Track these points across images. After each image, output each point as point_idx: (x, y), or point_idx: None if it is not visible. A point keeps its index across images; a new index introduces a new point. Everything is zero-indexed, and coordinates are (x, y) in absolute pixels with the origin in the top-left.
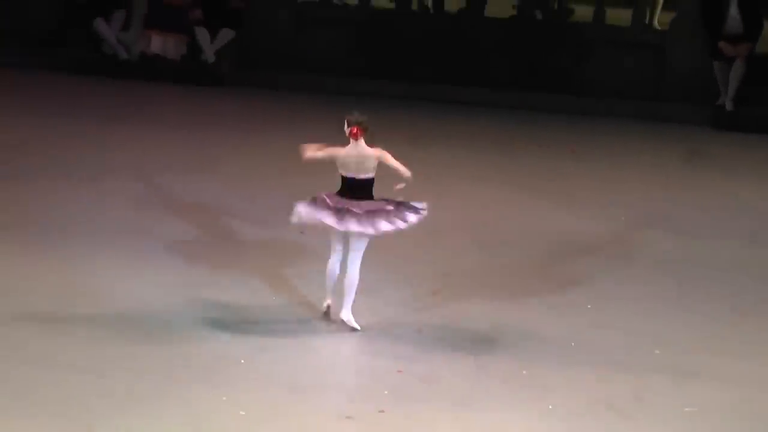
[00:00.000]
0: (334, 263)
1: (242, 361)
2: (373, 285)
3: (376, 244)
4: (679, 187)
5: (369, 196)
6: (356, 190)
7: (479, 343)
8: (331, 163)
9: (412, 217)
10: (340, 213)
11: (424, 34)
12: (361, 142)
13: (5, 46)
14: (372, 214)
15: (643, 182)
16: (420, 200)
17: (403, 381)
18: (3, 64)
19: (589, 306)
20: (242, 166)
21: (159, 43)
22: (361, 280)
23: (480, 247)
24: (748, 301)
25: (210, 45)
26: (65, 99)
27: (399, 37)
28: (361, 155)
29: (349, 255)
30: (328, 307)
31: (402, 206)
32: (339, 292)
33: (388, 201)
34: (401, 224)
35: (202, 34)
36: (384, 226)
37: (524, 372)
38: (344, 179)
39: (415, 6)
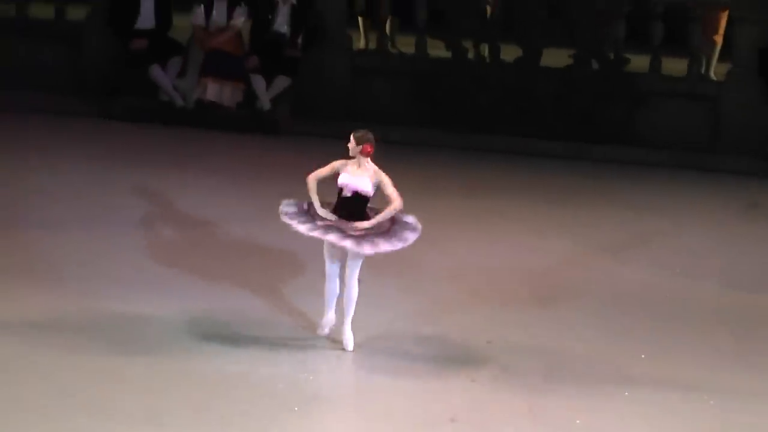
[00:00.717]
0: (332, 280)
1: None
2: (427, 332)
3: (430, 292)
4: (736, 240)
5: (364, 214)
6: (353, 207)
7: (533, 391)
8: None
9: (411, 236)
10: (340, 231)
11: (481, 84)
12: (368, 160)
13: (63, 94)
14: (370, 235)
15: (699, 234)
16: (473, 246)
17: (458, 429)
18: (61, 112)
19: (643, 356)
20: None
21: (215, 91)
22: (414, 331)
23: (534, 297)
24: None
25: (266, 93)
26: (122, 146)
27: (455, 86)
28: (363, 173)
29: (346, 272)
30: (327, 325)
31: (396, 224)
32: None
33: (381, 221)
34: (399, 244)
35: (258, 82)
36: (383, 246)
37: (578, 421)
38: (342, 196)
39: (471, 55)
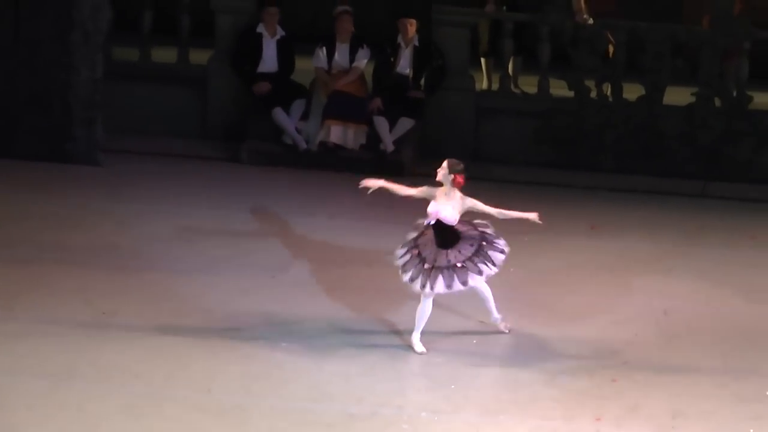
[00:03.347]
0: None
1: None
2: (553, 369)
3: (552, 327)
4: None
5: (455, 239)
6: (442, 234)
7: (660, 430)
8: None
9: (499, 257)
10: (434, 273)
11: (604, 123)
12: (456, 190)
13: (188, 138)
14: (462, 267)
15: None
16: (601, 287)
17: None
18: (187, 156)
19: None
20: None
21: (338, 133)
22: (541, 371)
23: (660, 337)
24: None
25: (389, 134)
26: (247, 190)
27: (579, 126)
28: (449, 201)
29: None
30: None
31: (485, 241)
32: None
33: (471, 239)
34: (490, 271)
35: (381, 124)
36: (472, 280)
37: None
38: (434, 225)
39: (594, 94)
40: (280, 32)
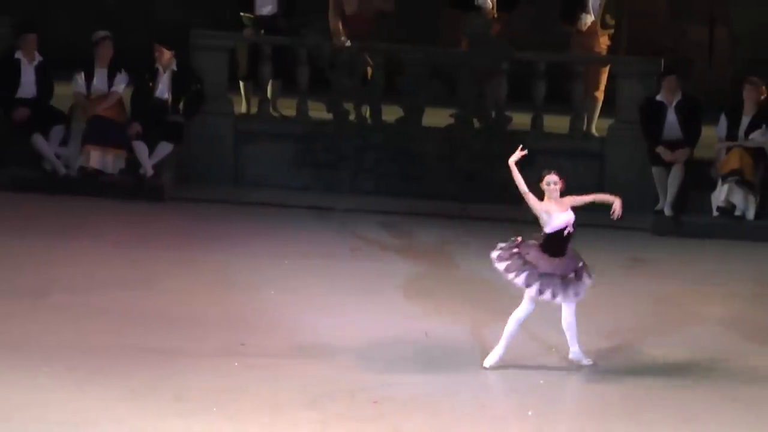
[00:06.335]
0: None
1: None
2: (310, 395)
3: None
4: (619, 293)
5: (566, 248)
6: (560, 244)
7: None
8: None
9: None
10: (546, 283)
11: (362, 145)
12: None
13: None
14: (570, 280)
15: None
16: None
17: None
18: None
19: None
20: (183, 281)
21: (98, 158)
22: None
23: (421, 358)
24: None
25: (148, 159)
26: (6, 216)
27: (338, 148)
28: (563, 207)
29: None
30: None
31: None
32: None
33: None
34: (548, 296)
35: (140, 148)
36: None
37: None
38: (558, 235)
39: (352, 116)
40: (38, 58)
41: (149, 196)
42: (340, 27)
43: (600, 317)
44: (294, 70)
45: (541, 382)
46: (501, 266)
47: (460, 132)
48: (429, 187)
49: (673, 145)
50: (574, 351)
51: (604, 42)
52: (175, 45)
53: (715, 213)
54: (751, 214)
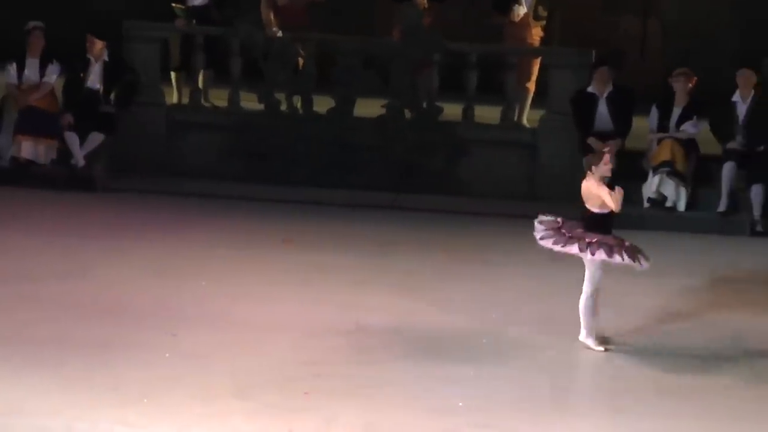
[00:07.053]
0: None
1: None
2: (240, 386)
3: (244, 341)
4: (546, 284)
5: (607, 230)
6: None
7: None
8: None
9: (627, 259)
10: (571, 240)
11: (294, 136)
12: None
13: None
14: (597, 244)
15: (518, 281)
16: (299, 300)
17: None
18: None
19: None
20: (115, 271)
21: (30, 149)
22: (232, 384)
23: (352, 350)
24: None
25: (80, 150)
26: None
27: (269, 139)
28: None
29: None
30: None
31: (631, 249)
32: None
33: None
34: (618, 258)
35: (71, 139)
36: (599, 254)
37: None
38: (602, 216)
39: (284, 107)
40: None
41: (81, 187)
42: (272, 17)
43: (524, 309)
44: (226, 60)
45: (472, 374)
46: (547, 243)
47: (393, 122)
48: (362, 177)
49: (604, 136)
50: (581, 334)
51: (536, 33)
52: (108, 36)
53: (646, 204)
54: (682, 206)
